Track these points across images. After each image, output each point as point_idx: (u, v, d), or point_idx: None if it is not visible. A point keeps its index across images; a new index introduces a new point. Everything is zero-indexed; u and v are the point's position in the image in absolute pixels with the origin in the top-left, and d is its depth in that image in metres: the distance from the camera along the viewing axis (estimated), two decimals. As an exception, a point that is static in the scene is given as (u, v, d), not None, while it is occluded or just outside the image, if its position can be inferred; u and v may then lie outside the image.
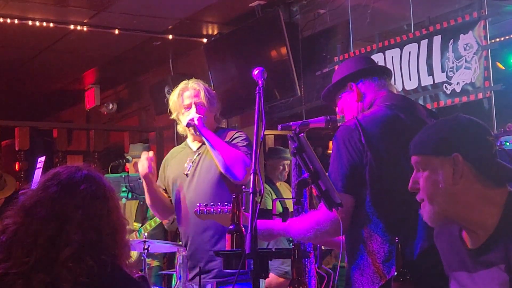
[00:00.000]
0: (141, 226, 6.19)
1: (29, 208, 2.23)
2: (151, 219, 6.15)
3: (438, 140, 2.27)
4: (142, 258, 5.19)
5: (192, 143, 4.24)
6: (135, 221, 6.46)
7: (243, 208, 2.68)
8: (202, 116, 4.06)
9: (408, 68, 5.73)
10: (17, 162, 9.14)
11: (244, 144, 4.03)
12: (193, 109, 4.09)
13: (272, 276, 4.99)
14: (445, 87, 5.42)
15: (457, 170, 2.22)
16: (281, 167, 6.84)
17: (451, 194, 2.23)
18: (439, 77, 5.49)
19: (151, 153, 4.20)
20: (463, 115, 2.34)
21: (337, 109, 3.22)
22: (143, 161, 4.11)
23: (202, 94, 4.14)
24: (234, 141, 4.04)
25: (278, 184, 6.89)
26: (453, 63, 5.36)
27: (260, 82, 2.87)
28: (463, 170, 2.21)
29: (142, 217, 6.43)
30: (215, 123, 4.21)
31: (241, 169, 3.85)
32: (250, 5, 6.90)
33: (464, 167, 2.22)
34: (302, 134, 2.70)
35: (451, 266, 2.37)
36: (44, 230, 2.17)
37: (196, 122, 4.02)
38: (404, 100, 3.13)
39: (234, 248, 2.56)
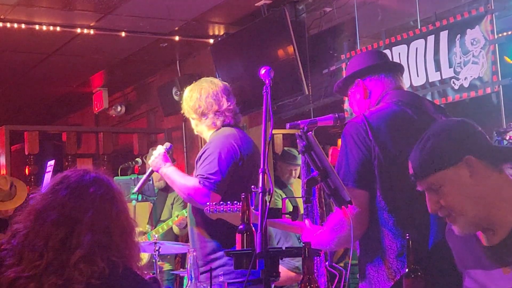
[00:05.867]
0: (154, 229, 6.20)
1: (39, 212, 2.24)
2: (164, 222, 6.16)
3: (444, 152, 2.25)
4: (153, 260, 5.21)
5: None
6: (148, 223, 6.48)
7: (253, 207, 2.67)
8: (157, 170, 4.00)
9: (415, 64, 5.72)
10: (27, 167, 9.18)
11: (206, 164, 3.81)
12: (158, 151, 4.04)
13: (282, 269, 4.98)
14: (453, 83, 5.41)
15: (474, 171, 2.20)
16: (288, 173, 6.87)
17: (477, 198, 2.21)
18: (447, 72, 5.47)
19: (166, 144, 4.14)
20: (445, 120, 2.33)
21: (349, 102, 3.24)
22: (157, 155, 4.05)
23: (184, 108, 4.08)
24: (200, 160, 3.88)
25: (291, 183, 6.91)
26: (460, 58, 5.35)
27: (267, 82, 2.86)
28: (478, 168, 2.20)
29: (156, 220, 6.45)
30: (208, 130, 4.02)
31: (198, 199, 3.73)
32: (256, 4, 6.90)
33: (479, 165, 2.21)
34: (311, 132, 2.70)
35: (466, 263, 2.35)
36: (55, 233, 2.18)
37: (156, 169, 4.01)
38: (411, 96, 3.14)
39: (245, 248, 2.56)
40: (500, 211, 2.20)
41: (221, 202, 3.14)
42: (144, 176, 4.15)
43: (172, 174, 3.94)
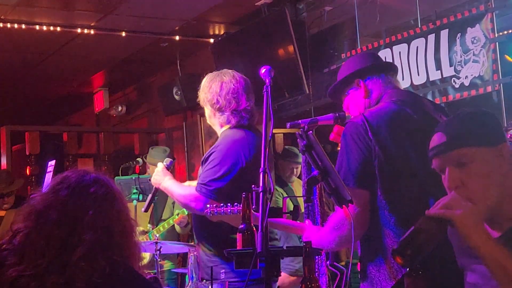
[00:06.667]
0: (155, 228, 6.20)
1: (40, 212, 2.25)
2: (165, 221, 6.16)
3: (486, 130, 2.19)
4: (155, 259, 5.21)
5: None
6: (149, 222, 6.47)
7: (253, 207, 2.67)
8: (156, 186, 4.01)
9: (416, 63, 5.72)
10: (27, 167, 9.18)
11: (209, 168, 3.72)
12: (160, 167, 4.03)
13: (283, 275, 4.99)
14: (454, 81, 5.41)
15: (505, 159, 2.17)
16: (289, 171, 6.87)
17: (501, 187, 2.16)
18: (447, 71, 5.48)
19: (166, 160, 4.13)
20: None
21: (343, 105, 3.22)
22: (156, 172, 4.05)
23: (201, 97, 3.92)
24: (205, 162, 3.80)
25: (292, 181, 6.91)
26: (461, 57, 5.35)
27: (267, 81, 2.85)
28: (508, 158, 2.17)
29: (157, 219, 6.44)
30: (221, 126, 3.88)
31: (194, 205, 3.72)
32: (256, 4, 6.90)
33: (509, 155, 2.18)
34: (311, 131, 2.70)
35: (468, 258, 2.34)
36: (56, 232, 2.19)
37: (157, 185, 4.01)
38: (410, 95, 3.14)
39: (246, 248, 2.55)
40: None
41: (222, 204, 3.12)
42: (150, 195, 4.19)
43: (170, 186, 3.92)
